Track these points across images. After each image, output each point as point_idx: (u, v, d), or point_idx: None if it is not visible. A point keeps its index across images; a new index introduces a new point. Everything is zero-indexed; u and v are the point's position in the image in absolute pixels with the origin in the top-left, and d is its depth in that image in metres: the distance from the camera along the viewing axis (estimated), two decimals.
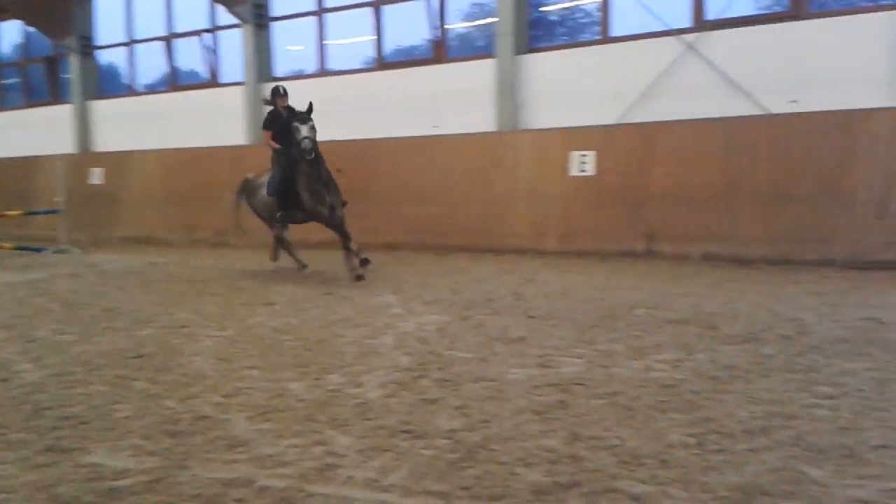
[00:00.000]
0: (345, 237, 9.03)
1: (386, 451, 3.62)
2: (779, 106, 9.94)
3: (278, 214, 9.47)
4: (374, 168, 13.04)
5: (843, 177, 9.20)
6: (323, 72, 14.95)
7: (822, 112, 9.48)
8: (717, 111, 10.27)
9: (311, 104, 8.86)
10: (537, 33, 12.76)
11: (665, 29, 11.02)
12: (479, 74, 12.61)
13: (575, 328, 6.19)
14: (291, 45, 15.65)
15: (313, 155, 8.67)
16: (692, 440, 3.66)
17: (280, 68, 15.65)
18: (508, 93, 12.31)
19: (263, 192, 9.71)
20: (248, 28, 15.26)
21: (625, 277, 8.80)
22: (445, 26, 13.47)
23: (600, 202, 10.90)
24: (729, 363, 5.00)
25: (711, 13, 10.77)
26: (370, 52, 14.45)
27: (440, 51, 13.44)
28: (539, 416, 4.06)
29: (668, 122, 10.59)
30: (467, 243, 11.70)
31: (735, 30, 10.48)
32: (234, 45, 15.78)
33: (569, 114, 11.59)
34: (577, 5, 12.67)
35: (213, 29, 16.25)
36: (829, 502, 2.97)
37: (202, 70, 16.65)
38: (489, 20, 12.95)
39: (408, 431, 3.86)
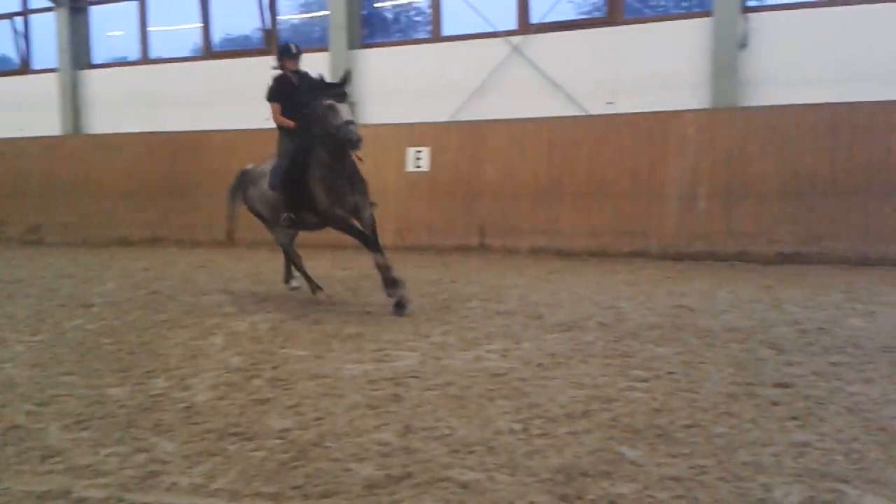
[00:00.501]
0: (374, 247, 6.57)
1: (213, 455, 3.50)
2: (597, 107, 10.53)
3: (284, 216, 6.95)
4: (206, 161, 12.58)
5: (655, 174, 9.91)
6: (146, 59, 14.20)
7: (636, 113, 10.15)
8: (542, 111, 10.73)
9: (348, 72, 6.77)
10: (371, 29, 12.77)
11: (493, 31, 11.36)
12: (312, 67, 12.36)
13: (410, 322, 6.26)
14: (111, 31, 14.75)
15: (360, 146, 6.37)
16: (518, 426, 3.81)
17: (99, 55, 14.74)
18: None
19: (264, 183, 7.32)
20: (63, 12, 14.24)
21: (459, 271, 9.01)
22: (277, 17, 13.17)
23: (435, 198, 11.09)
24: (553, 350, 5.25)
25: (535, 17, 11.22)
26: (197, 41, 13.88)
27: (272, 41, 13.12)
28: (373, 410, 4.08)
29: (497, 120, 10.94)
30: (304, 239, 11.45)
31: (557, 34, 10.99)
32: (48, 29, 14.65)
33: (404, 110, 11.69)
34: (409, 3, 12.80)
35: (25, 12, 15.04)
36: (643, 480, 3.17)
37: (13, 56, 15.34)
38: (322, 13, 12.80)
39: (237, 434, 3.75)
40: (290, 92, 7.16)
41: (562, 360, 5.00)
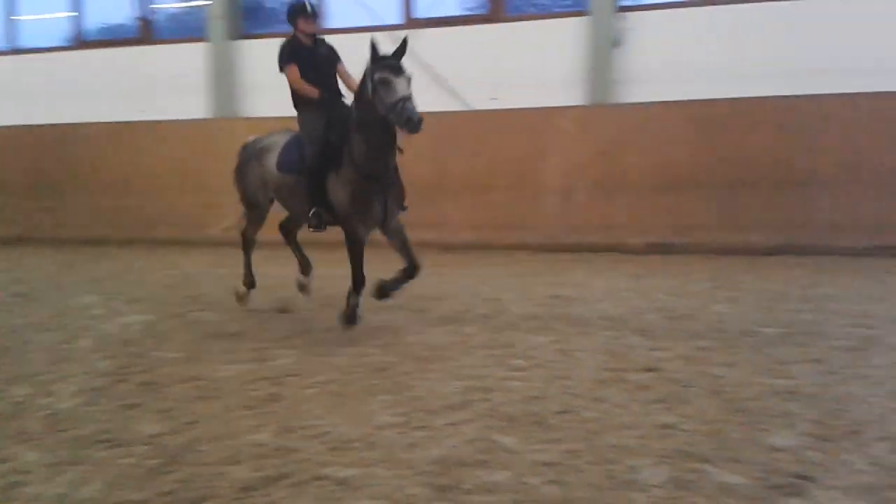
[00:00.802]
0: (411, 266, 5.73)
1: (79, 463, 3.35)
2: (481, 103, 10.66)
3: (313, 212, 5.73)
4: (76, 155, 11.98)
5: (535, 168, 10.14)
6: (13, 49, 13.36)
7: (517, 109, 10.33)
8: (427, 106, 10.67)
9: (405, 41, 5.45)
10: (253, 20, 12.46)
11: (378, 24, 11.31)
12: (191, 58, 12.00)
13: (293, 319, 6.19)
14: None
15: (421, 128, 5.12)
16: (399, 419, 3.83)
17: None
18: (223, 79, 11.88)
19: (271, 159, 6.09)
20: None
21: (344, 267, 8.88)
22: (154, 5, 12.66)
23: None
24: (436, 343, 5.30)
25: (420, 12, 11.25)
26: (69, 29, 13.15)
27: (148, 31, 12.60)
28: (250, 411, 4.00)
29: None
30: (182, 236, 11.13)
31: (441, 29, 11.04)
32: None
33: (288, 103, 11.44)
34: None
35: None
36: (518, 467, 3.25)
37: None
38: (201, 2, 12.40)
39: (105, 440, 3.61)
40: (307, 57, 5.90)
41: (444, 353, 5.06)
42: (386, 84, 5.16)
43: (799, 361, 4.75)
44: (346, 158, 5.49)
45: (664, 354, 4.94)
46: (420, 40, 11.26)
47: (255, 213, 6.59)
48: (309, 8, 5.95)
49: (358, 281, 5.65)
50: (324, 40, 6.15)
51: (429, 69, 10.95)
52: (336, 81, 6.09)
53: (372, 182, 5.44)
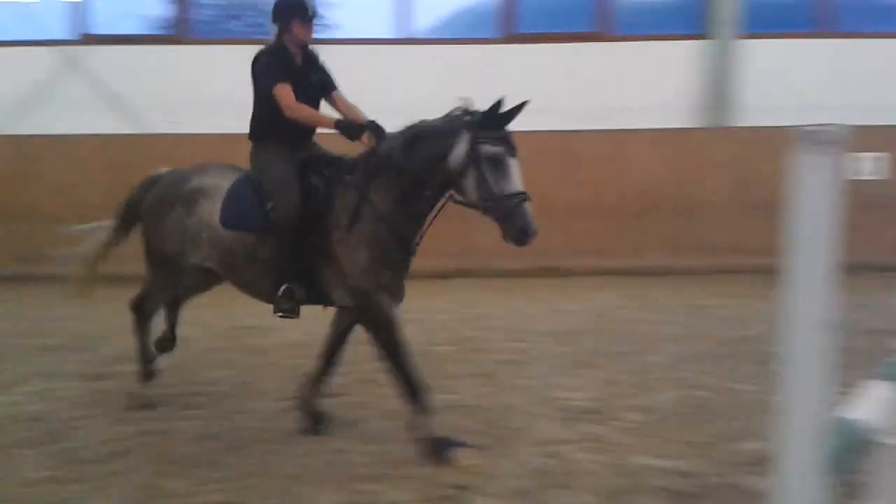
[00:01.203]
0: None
1: None
2: (161, 126, 10.08)
3: (282, 291, 3.99)
4: None
5: None
6: None
7: (200, 134, 9.85)
8: (103, 128, 10.01)
9: (523, 103, 3.67)
10: None
11: (45, 39, 10.34)
12: None
13: None
14: None
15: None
16: (52, 473, 3.51)
17: None
18: None
19: (211, 210, 4.23)
20: None
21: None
22: None
23: None
24: (100, 387, 4.92)
25: (96, 27, 10.48)
26: None
27: None
28: None
29: (52, 136, 9.90)
30: None
31: (119, 47, 10.37)
32: None
33: None
34: None
35: None
36: None
37: None
38: None
39: None
40: (297, 77, 4.22)
41: (109, 396, 4.70)
42: (499, 165, 3.65)
43: (465, 376, 5.13)
44: (363, 208, 3.93)
45: (345, 380, 4.98)
46: (95, 57, 10.46)
47: (166, 278, 4.65)
48: (310, 9, 4.29)
49: (416, 388, 3.83)
50: (317, 59, 4.45)
51: (104, 88, 10.26)
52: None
53: (401, 242, 4.02)
